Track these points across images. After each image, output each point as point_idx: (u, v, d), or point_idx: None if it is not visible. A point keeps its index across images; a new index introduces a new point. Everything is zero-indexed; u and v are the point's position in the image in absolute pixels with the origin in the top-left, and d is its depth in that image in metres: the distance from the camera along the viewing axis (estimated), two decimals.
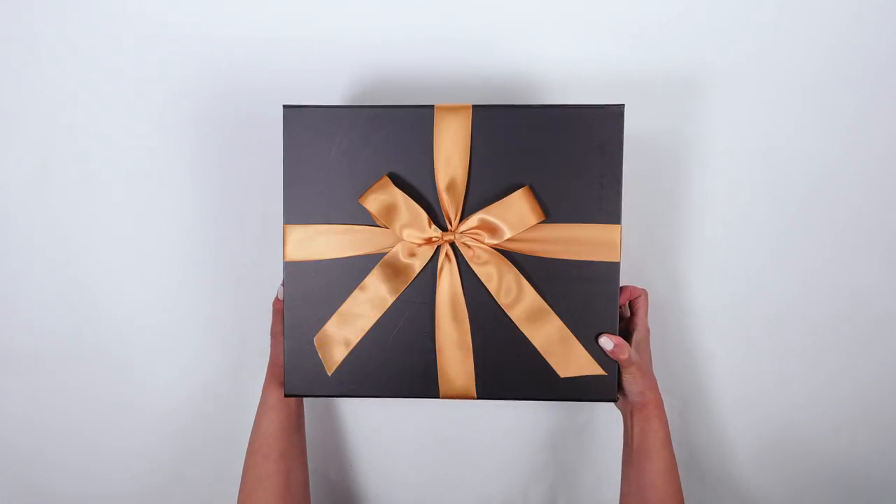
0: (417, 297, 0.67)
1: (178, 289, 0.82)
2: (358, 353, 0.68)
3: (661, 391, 0.71)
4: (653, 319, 0.79)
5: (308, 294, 0.68)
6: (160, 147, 0.80)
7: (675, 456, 0.71)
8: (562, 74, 0.78)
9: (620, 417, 0.74)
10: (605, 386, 0.67)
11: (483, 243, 0.66)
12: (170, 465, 0.83)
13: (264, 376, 0.75)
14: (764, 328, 0.81)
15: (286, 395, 0.69)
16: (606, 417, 0.82)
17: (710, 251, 0.81)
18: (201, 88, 0.79)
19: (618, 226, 0.66)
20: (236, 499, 0.73)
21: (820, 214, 0.80)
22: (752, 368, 0.82)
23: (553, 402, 0.82)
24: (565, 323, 0.67)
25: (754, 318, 0.81)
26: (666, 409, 0.71)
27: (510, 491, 0.84)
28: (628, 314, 0.73)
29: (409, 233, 0.65)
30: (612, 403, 0.75)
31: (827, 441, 0.83)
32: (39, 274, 0.81)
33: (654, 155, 0.79)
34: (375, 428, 0.83)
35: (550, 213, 0.66)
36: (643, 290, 0.73)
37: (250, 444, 0.73)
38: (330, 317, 0.68)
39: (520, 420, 0.83)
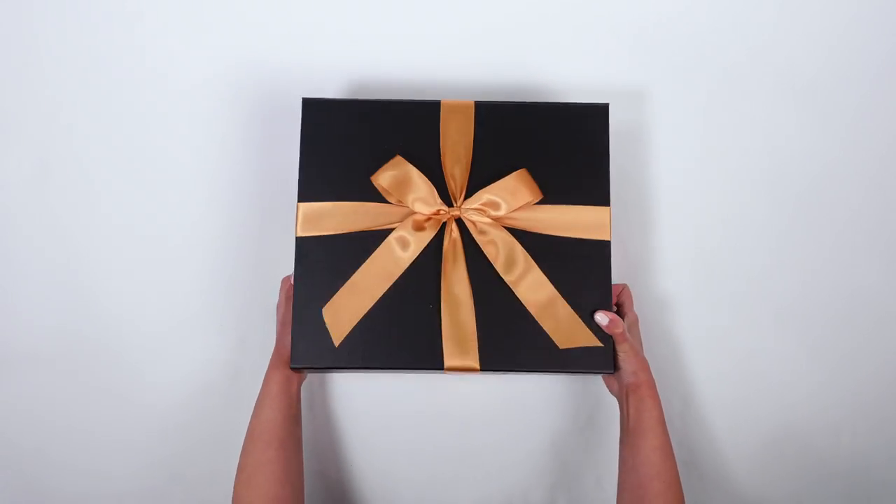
0: (423, 271, 0.69)
1: (177, 288, 0.82)
2: (364, 326, 0.69)
3: (660, 391, 0.71)
4: (652, 319, 0.79)
5: (317, 268, 0.70)
6: (159, 147, 0.80)
7: (676, 456, 0.71)
8: (559, 76, 0.79)
9: (620, 420, 0.75)
10: (603, 357, 0.70)
11: (487, 217, 0.69)
12: (170, 464, 0.83)
13: (265, 371, 0.75)
14: (764, 328, 0.81)
15: (292, 368, 0.70)
16: (607, 418, 0.82)
17: (710, 251, 0.81)
18: (199, 90, 0.79)
19: (607, 207, 0.70)
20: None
21: (820, 214, 0.80)
22: (751, 368, 0.82)
23: (553, 403, 0.82)
24: (563, 297, 0.69)
25: (754, 317, 0.81)
26: (666, 411, 0.71)
27: (510, 491, 0.84)
28: (615, 309, 0.74)
29: (420, 206, 0.69)
30: (611, 397, 0.76)
31: (827, 440, 0.83)
32: (39, 274, 0.81)
33: (653, 155, 0.79)
34: (375, 427, 0.83)
35: (547, 196, 0.70)
36: (624, 284, 0.76)
37: (250, 430, 0.73)
38: (338, 289, 0.69)
39: (520, 420, 0.83)
